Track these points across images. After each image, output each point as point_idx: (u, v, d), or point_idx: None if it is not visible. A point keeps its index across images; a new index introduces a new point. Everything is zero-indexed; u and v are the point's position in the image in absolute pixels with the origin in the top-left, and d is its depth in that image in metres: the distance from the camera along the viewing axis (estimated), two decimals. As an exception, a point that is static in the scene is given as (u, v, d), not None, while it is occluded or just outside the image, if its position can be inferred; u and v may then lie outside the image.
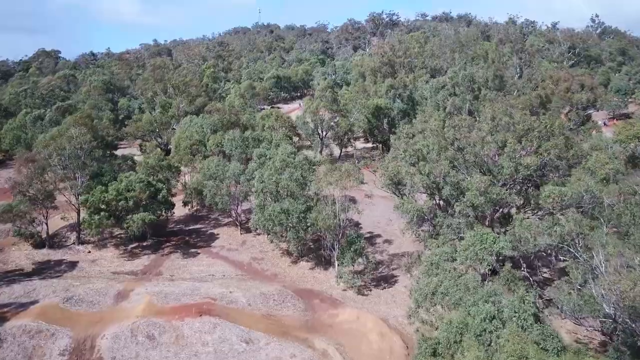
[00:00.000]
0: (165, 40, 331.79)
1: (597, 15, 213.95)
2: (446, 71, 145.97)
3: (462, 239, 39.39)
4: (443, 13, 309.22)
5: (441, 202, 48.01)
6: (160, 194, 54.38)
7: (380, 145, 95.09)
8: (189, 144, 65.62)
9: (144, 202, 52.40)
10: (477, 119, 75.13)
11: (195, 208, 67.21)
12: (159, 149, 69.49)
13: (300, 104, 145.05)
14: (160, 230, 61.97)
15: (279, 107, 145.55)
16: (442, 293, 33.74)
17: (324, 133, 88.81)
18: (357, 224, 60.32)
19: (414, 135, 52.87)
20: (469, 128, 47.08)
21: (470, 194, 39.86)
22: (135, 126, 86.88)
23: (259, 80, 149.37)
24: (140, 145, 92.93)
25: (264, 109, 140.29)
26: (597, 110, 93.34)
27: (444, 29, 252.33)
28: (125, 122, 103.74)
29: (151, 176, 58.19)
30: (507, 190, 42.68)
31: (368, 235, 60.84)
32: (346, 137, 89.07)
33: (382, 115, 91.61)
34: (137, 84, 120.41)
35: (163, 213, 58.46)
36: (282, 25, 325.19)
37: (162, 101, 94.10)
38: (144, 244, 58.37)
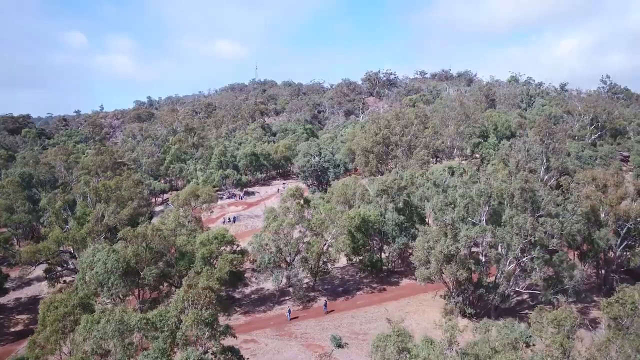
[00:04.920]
0: (160, 97, 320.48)
1: (608, 77, 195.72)
2: (449, 148, 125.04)
3: None
4: (442, 71, 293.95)
5: None
6: None
7: (369, 268, 71.28)
8: (61, 313, 41.46)
9: None
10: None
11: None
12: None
13: (280, 189, 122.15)
14: None
15: (253, 193, 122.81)
16: None
17: (292, 257, 65.16)
18: None
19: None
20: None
21: None
22: (31, 249, 62.77)
23: (232, 159, 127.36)
24: (46, 272, 69.22)
25: (233, 196, 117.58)
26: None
27: (444, 89, 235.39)
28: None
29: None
30: None
31: None
32: (321, 260, 65.57)
33: (372, 229, 68.69)
34: (74, 173, 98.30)
35: None
36: (279, 82, 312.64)
37: (81, 208, 71.12)
38: None
